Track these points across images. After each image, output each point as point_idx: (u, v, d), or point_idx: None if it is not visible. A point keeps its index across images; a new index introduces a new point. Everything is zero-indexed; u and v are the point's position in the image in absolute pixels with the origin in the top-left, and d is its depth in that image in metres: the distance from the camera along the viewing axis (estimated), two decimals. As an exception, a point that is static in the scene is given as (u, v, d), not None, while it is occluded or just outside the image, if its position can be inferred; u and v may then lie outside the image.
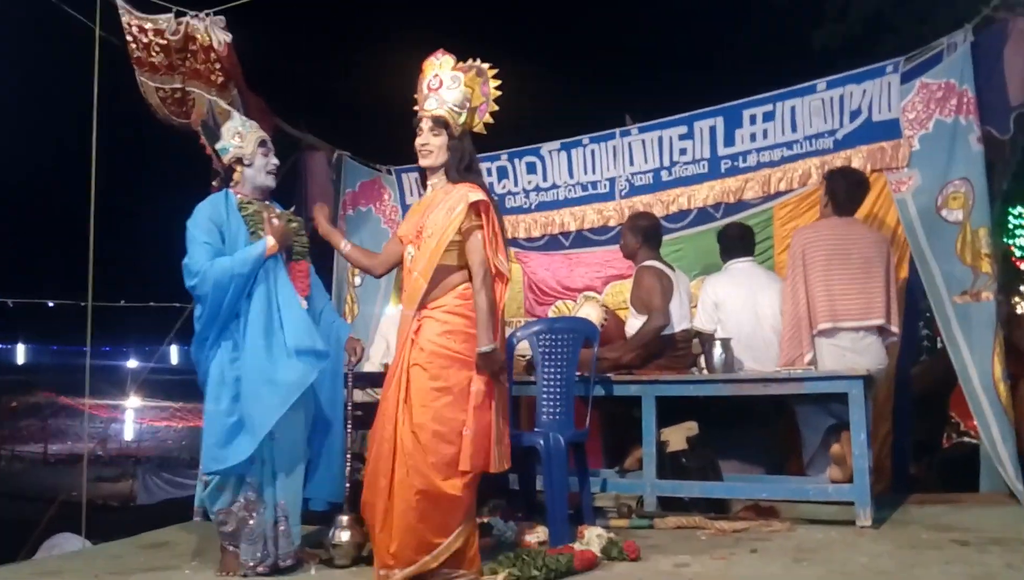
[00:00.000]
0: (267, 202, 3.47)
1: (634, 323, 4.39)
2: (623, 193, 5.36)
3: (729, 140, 5.03)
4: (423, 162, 3.15)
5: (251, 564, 3.14)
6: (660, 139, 5.23)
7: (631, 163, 5.32)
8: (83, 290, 4.55)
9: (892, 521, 3.74)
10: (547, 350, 3.93)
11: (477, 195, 3.04)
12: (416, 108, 3.20)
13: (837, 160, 4.66)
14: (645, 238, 4.50)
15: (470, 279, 3.04)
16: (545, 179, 5.57)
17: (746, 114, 4.97)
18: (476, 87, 3.16)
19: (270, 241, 3.29)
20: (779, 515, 3.90)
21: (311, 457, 3.37)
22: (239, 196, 3.39)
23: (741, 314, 4.30)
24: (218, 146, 3.47)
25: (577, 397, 3.89)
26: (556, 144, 5.51)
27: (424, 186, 3.26)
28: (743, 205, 5.00)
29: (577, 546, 3.23)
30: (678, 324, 4.35)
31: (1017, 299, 8.72)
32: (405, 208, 5.52)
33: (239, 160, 3.41)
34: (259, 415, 3.11)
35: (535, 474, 3.79)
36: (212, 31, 4.40)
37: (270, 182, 3.48)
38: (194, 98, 4.52)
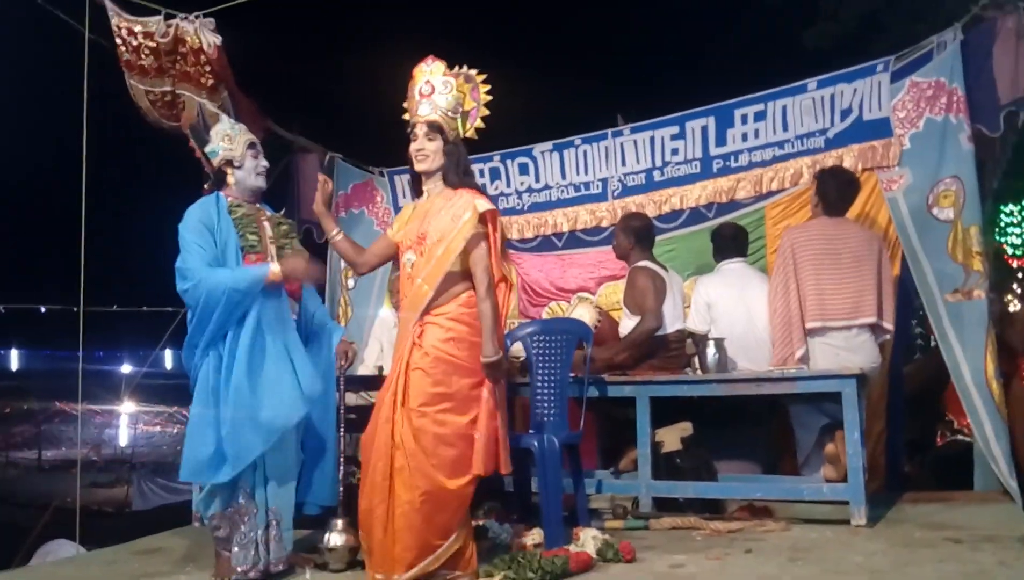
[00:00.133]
0: (258, 205, 3.46)
1: (628, 324, 4.39)
2: (616, 193, 5.36)
3: (721, 140, 5.04)
4: (419, 167, 3.15)
5: (242, 569, 3.13)
6: (652, 139, 5.23)
7: (623, 163, 5.33)
8: (75, 295, 4.53)
9: (886, 520, 3.75)
10: (541, 351, 3.92)
11: (485, 204, 3.05)
12: (407, 115, 3.21)
13: (828, 159, 4.67)
14: (638, 239, 4.50)
15: (472, 285, 3.04)
16: (537, 180, 5.57)
17: (737, 114, 4.98)
18: (467, 92, 3.18)
19: (275, 268, 3.22)
20: (774, 515, 3.91)
21: (304, 461, 3.35)
22: (230, 199, 3.37)
23: (734, 314, 4.30)
24: (207, 149, 3.46)
25: (571, 398, 3.88)
26: (548, 145, 5.52)
27: (417, 191, 3.25)
28: (735, 205, 5.01)
29: (572, 548, 3.23)
30: (671, 325, 4.36)
31: (1010, 297, 8.75)
32: (398, 210, 5.51)
33: (229, 162, 3.39)
34: (241, 450, 3.08)
35: (530, 476, 3.78)
36: (202, 33, 4.38)
37: (261, 184, 3.46)
38: (184, 101, 4.50)
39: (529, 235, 5.59)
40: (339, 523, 3.29)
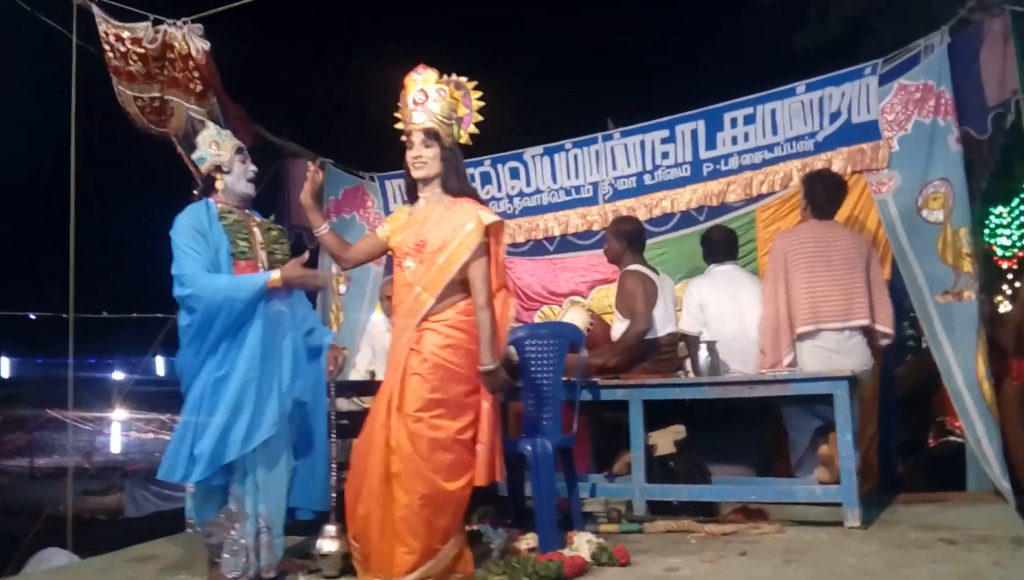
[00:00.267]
0: (247, 211, 3.45)
1: (620, 328, 4.39)
2: (606, 197, 5.37)
3: (711, 143, 5.06)
4: (417, 174, 3.16)
5: (232, 576, 3.11)
6: (642, 143, 5.24)
7: (614, 167, 5.33)
8: (65, 302, 4.51)
9: (880, 521, 3.76)
10: (533, 356, 3.92)
11: (490, 217, 3.08)
12: (401, 124, 3.22)
13: (818, 162, 4.69)
14: (629, 242, 4.50)
15: (470, 294, 3.06)
16: (528, 184, 5.57)
17: (727, 117, 4.99)
18: (459, 99, 3.21)
19: (275, 276, 3.22)
20: (768, 517, 3.91)
21: (296, 467, 3.33)
22: (219, 205, 3.36)
23: (725, 317, 4.31)
24: (195, 156, 3.45)
25: (564, 402, 3.88)
26: (539, 149, 5.52)
27: (413, 198, 3.25)
28: (726, 208, 5.02)
29: (567, 552, 3.23)
30: (663, 328, 4.36)
31: (1000, 298, 8.78)
32: (389, 214, 5.52)
33: (218, 168, 3.38)
34: (217, 450, 3.07)
35: (523, 480, 3.78)
36: (190, 39, 4.37)
37: (250, 189, 3.45)
38: (173, 107, 4.49)
39: (520, 239, 5.59)
40: (332, 529, 3.28)
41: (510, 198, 5.63)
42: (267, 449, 3.18)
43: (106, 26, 4.39)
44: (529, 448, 3.48)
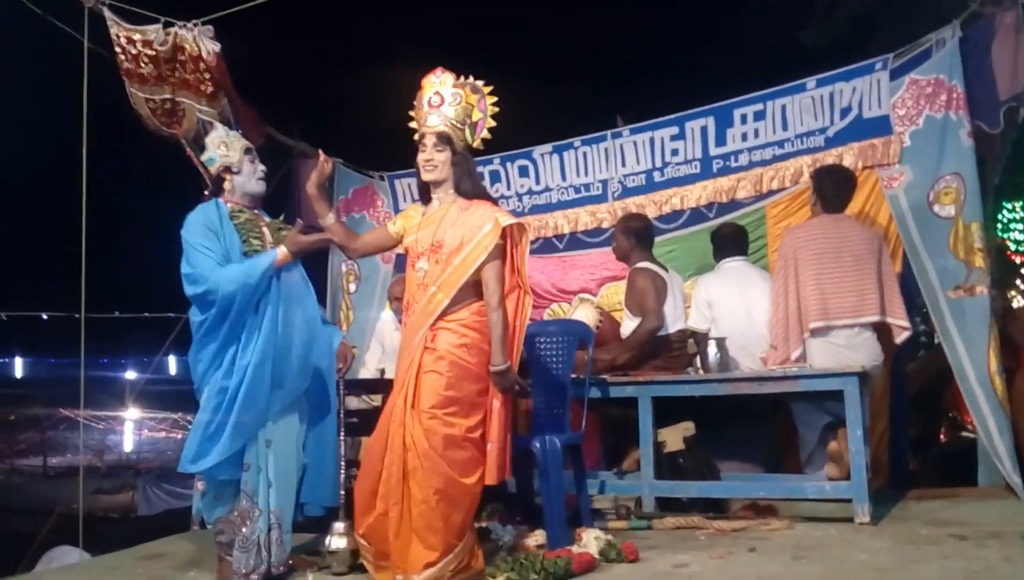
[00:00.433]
0: (257, 211, 3.47)
1: (629, 325, 4.39)
2: (616, 195, 5.36)
3: (720, 140, 5.04)
4: (427, 177, 3.18)
5: (244, 572, 3.13)
6: (652, 140, 5.23)
7: (623, 164, 5.33)
8: (76, 302, 4.54)
9: (890, 517, 3.75)
10: (542, 353, 3.92)
11: (508, 219, 3.10)
12: (414, 124, 3.24)
13: (828, 158, 4.67)
14: (637, 240, 4.50)
15: (482, 294, 3.08)
16: (538, 182, 5.57)
17: (737, 113, 4.98)
18: (474, 104, 3.22)
19: (282, 250, 3.26)
20: (777, 513, 3.90)
21: (305, 464, 3.35)
22: (230, 205, 3.38)
23: (735, 313, 4.30)
24: (204, 157, 3.47)
25: (573, 399, 3.88)
26: (548, 147, 5.52)
27: (426, 199, 3.27)
28: (736, 205, 5.01)
29: (575, 548, 3.23)
30: (673, 325, 4.36)
31: (1012, 293, 8.73)
32: (398, 214, 5.53)
33: (227, 169, 3.40)
34: (245, 425, 3.13)
35: (532, 477, 3.78)
36: (200, 41, 4.40)
37: (260, 189, 3.47)
38: (184, 108, 4.52)
39: (530, 237, 5.58)
40: (341, 526, 3.29)
41: (519, 196, 5.63)
42: (280, 444, 3.21)
43: (117, 29, 4.41)
44: (538, 445, 3.49)
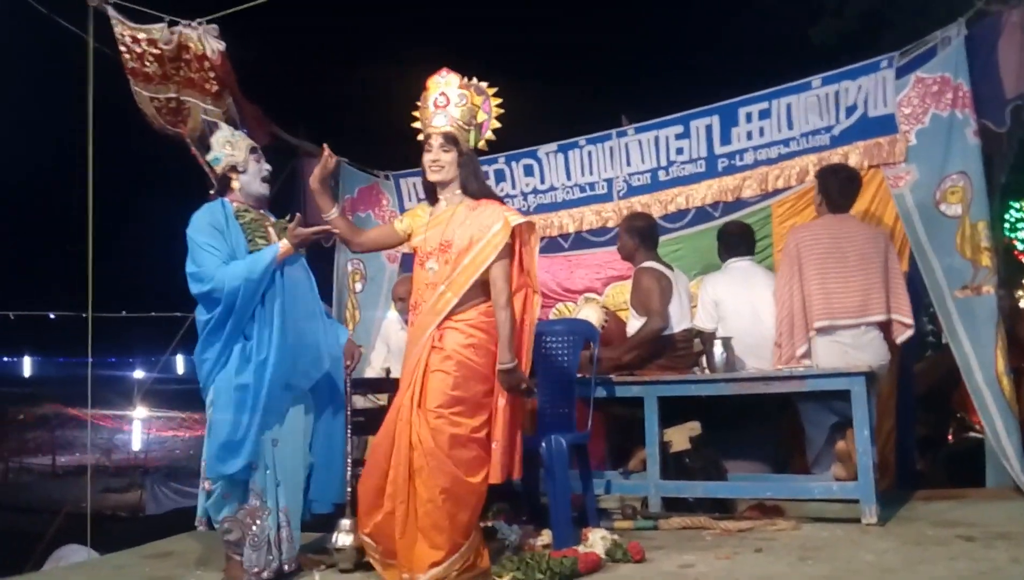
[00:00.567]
0: (262, 211, 3.48)
1: (635, 324, 4.39)
2: (621, 194, 5.36)
3: (726, 139, 5.03)
4: (433, 177, 3.19)
5: (256, 570, 3.14)
6: (657, 139, 5.22)
7: (628, 164, 5.32)
8: (83, 301, 4.55)
9: (898, 518, 3.73)
10: (548, 352, 3.92)
11: (517, 218, 3.10)
12: (419, 124, 3.25)
13: (834, 156, 4.66)
14: (642, 239, 4.49)
15: (490, 294, 3.08)
16: (543, 181, 5.57)
17: (742, 112, 4.96)
18: (479, 105, 3.23)
19: (284, 244, 3.27)
20: (784, 514, 3.89)
21: (313, 463, 3.37)
22: (235, 204, 3.39)
23: (741, 312, 4.29)
24: (209, 157, 3.48)
25: (579, 399, 3.88)
26: (553, 146, 5.52)
27: (432, 200, 3.28)
28: (741, 203, 5.00)
29: (581, 548, 3.22)
30: (678, 324, 4.35)
31: (1020, 293, 8.69)
32: (404, 213, 5.54)
33: (233, 168, 3.41)
34: (268, 422, 3.16)
35: (538, 477, 3.78)
36: (205, 40, 4.41)
37: (265, 189, 3.48)
38: (189, 107, 4.53)
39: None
40: (347, 523, 3.30)
41: (524, 195, 5.63)
42: (288, 443, 3.23)
43: (122, 27, 4.43)
44: (543, 445, 3.48)
